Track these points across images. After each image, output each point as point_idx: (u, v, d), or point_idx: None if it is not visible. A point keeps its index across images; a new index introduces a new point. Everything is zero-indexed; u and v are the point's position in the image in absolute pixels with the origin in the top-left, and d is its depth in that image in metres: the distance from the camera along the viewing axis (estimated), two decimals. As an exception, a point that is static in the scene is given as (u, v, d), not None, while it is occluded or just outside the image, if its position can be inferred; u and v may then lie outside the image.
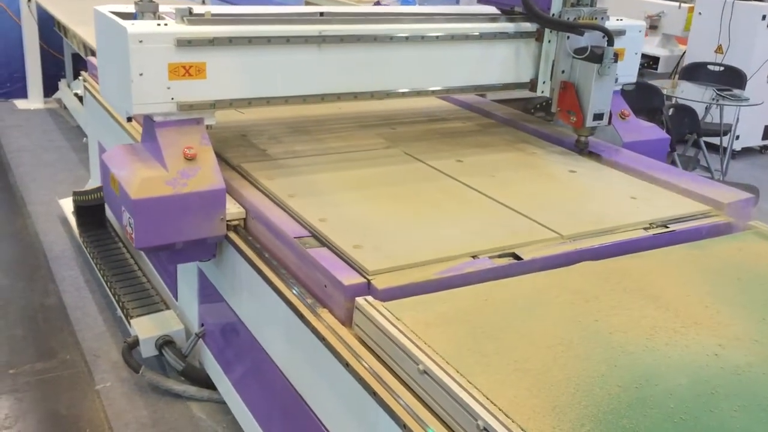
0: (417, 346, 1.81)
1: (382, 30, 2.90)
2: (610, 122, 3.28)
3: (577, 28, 3.12)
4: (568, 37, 3.18)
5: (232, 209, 2.63)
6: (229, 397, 2.92)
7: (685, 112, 5.74)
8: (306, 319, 2.14)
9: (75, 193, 4.43)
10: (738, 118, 6.65)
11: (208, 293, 2.97)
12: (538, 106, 3.39)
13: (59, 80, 7.44)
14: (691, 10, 7.24)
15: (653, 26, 7.54)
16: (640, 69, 3.69)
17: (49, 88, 7.48)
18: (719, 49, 6.88)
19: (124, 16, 2.66)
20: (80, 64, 6.64)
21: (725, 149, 6.35)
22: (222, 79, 2.62)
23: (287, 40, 2.70)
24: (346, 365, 1.96)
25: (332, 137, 3.38)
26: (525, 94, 3.50)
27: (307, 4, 7.32)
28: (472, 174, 2.95)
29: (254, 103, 2.75)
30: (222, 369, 2.96)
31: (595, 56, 3.08)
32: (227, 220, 2.60)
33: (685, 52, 7.36)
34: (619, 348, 1.85)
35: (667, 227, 2.59)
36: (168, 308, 3.40)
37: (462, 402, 1.62)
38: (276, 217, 2.49)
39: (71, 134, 6.56)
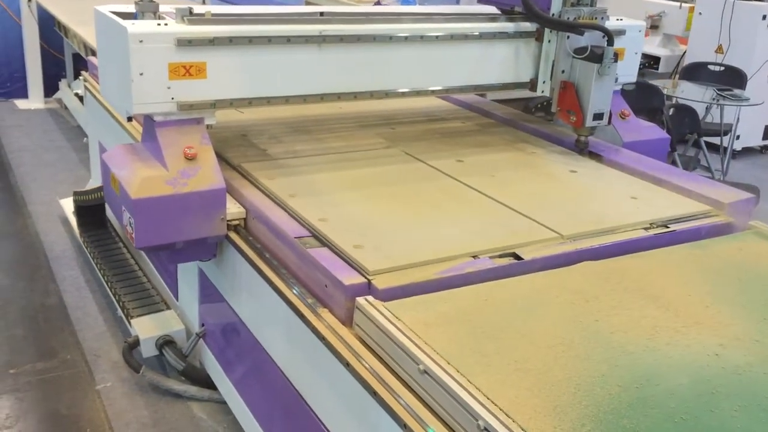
0: (417, 346, 1.81)
1: (381, 30, 2.90)
2: (610, 122, 3.28)
3: (577, 28, 3.12)
4: (568, 37, 3.18)
5: (233, 209, 2.63)
6: (230, 397, 2.92)
7: (685, 111, 5.74)
8: (306, 319, 2.14)
9: (75, 193, 4.43)
10: (738, 118, 6.65)
11: (209, 293, 2.97)
12: (539, 105, 3.38)
13: (60, 80, 7.44)
14: (691, 10, 7.24)
15: (654, 26, 7.54)
16: (641, 69, 3.70)
17: (50, 88, 7.48)
18: (719, 49, 6.88)
19: (125, 15, 2.66)
20: (81, 64, 6.64)
21: (726, 149, 6.35)
22: (222, 78, 2.62)
23: (287, 39, 2.70)
24: (347, 365, 1.96)
25: (332, 137, 3.38)
26: (525, 93, 3.50)
27: (308, 4, 7.32)
28: (472, 174, 2.95)
29: (254, 103, 2.75)
30: (222, 369, 2.96)
31: (595, 56, 3.08)
32: (227, 220, 2.60)
33: (685, 52, 7.36)
34: (620, 348, 1.85)
35: (668, 227, 2.59)
36: (168, 308, 3.40)
37: (462, 402, 1.62)
38: (276, 217, 2.49)
39: (72, 134, 6.56)
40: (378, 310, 1.96)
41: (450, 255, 2.25)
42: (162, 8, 2.72)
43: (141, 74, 2.48)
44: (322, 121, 3.58)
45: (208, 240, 2.61)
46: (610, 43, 3.08)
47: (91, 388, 3.24)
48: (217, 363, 3.00)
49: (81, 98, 5.82)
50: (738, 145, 6.99)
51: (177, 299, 3.38)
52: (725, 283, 2.24)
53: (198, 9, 2.65)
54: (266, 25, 2.69)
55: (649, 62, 7.61)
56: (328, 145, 3.26)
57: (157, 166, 2.54)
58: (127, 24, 2.49)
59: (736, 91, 6.05)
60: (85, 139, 5.34)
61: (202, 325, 3.09)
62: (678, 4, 7.43)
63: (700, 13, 7.10)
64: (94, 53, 4.59)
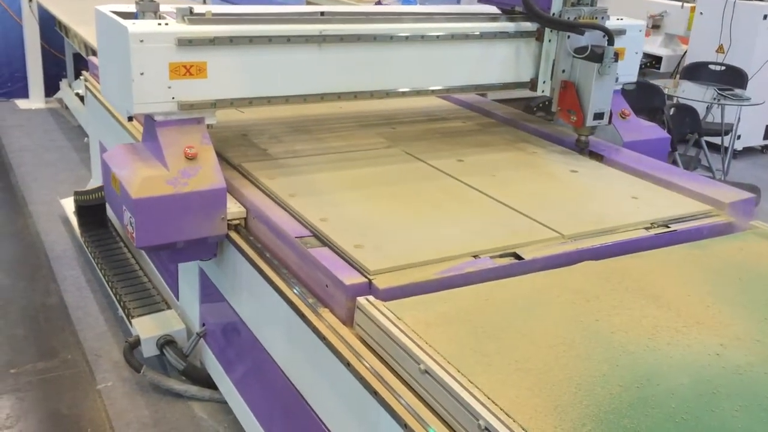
0: (418, 345, 1.81)
1: (382, 29, 2.90)
2: (610, 122, 3.28)
3: (577, 28, 3.12)
4: (569, 37, 3.18)
5: (233, 209, 2.63)
6: (231, 397, 2.92)
7: (686, 111, 5.74)
8: (307, 319, 2.14)
9: (76, 193, 4.43)
10: (739, 118, 6.65)
11: (209, 293, 2.97)
12: (540, 105, 3.38)
13: (60, 80, 7.44)
14: (693, 9, 7.24)
15: (656, 26, 7.54)
16: (642, 68, 3.70)
17: (51, 87, 7.49)
18: (720, 49, 6.87)
19: (125, 15, 2.66)
20: (81, 64, 6.64)
21: (726, 149, 6.35)
22: (223, 78, 2.62)
23: (288, 39, 2.70)
24: (348, 365, 1.96)
25: (333, 137, 3.38)
26: (525, 93, 3.50)
27: (308, 3, 7.32)
28: (473, 173, 2.95)
29: (255, 103, 2.75)
30: (223, 369, 2.96)
31: (595, 56, 3.08)
32: (228, 220, 2.60)
33: (686, 52, 7.36)
34: (621, 348, 1.85)
35: (668, 227, 2.59)
36: (169, 308, 3.40)
37: (463, 402, 1.62)
38: (277, 217, 2.49)
39: (72, 134, 6.56)
40: (379, 310, 1.96)
41: (451, 255, 2.25)
42: (162, 8, 2.73)
43: (141, 74, 2.48)
44: (322, 121, 3.58)
45: (208, 240, 2.61)
46: (611, 42, 3.08)
47: (91, 387, 3.24)
48: (217, 363, 3.00)
49: (82, 98, 5.82)
50: (739, 145, 6.99)
51: (178, 299, 3.38)
52: (726, 283, 2.24)
53: (198, 9, 2.65)
54: (266, 25, 2.69)
55: (651, 62, 7.61)
56: (328, 144, 3.26)
57: (157, 165, 2.54)
58: (128, 24, 2.49)
59: (737, 91, 6.04)
60: (85, 138, 5.34)
61: (203, 324, 3.10)
62: (680, 3, 7.43)
63: (701, 13, 7.09)
64: (94, 53, 4.59)
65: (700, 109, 6.06)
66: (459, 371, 1.71)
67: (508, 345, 1.83)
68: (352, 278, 2.09)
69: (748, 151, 7.25)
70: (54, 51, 7.57)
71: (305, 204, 2.55)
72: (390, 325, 1.89)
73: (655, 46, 7.68)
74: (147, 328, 3.23)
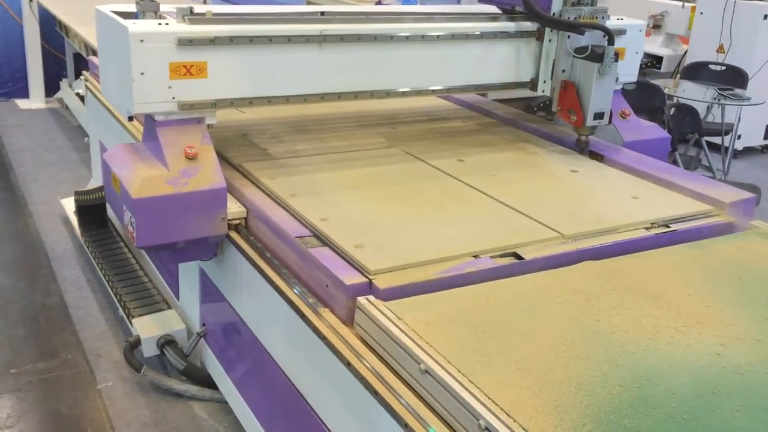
0: (418, 345, 1.81)
1: (382, 29, 2.90)
2: (610, 121, 3.28)
3: (577, 28, 3.11)
4: (569, 37, 3.18)
5: (234, 208, 2.63)
6: (231, 397, 2.92)
7: (686, 111, 5.74)
8: (307, 319, 2.15)
9: (76, 193, 4.43)
10: (740, 118, 6.65)
11: (210, 292, 2.98)
12: (541, 105, 3.38)
13: (61, 80, 7.44)
14: (694, 9, 7.24)
15: (657, 25, 7.53)
16: (643, 68, 3.70)
17: (51, 87, 7.49)
18: (721, 49, 6.87)
19: (126, 15, 2.66)
20: (82, 64, 6.64)
21: (727, 149, 6.35)
22: (223, 78, 2.62)
23: (288, 39, 2.70)
24: (348, 365, 1.96)
25: (333, 136, 3.38)
26: (526, 93, 3.50)
27: (309, 3, 7.32)
28: (473, 173, 2.95)
29: (255, 103, 2.75)
30: (223, 368, 2.96)
31: (595, 55, 3.08)
32: (228, 220, 2.60)
33: (686, 52, 7.36)
34: (621, 348, 1.85)
35: (669, 227, 2.59)
36: (169, 308, 3.40)
37: (463, 401, 1.62)
38: (277, 217, 2.49)
39: (73, 134, 6.56)
40: (379, 310, 1.96)
41: (451, 255, 2.25)
42: (163, 8, 2.73)
43: (142, 74, 2.48)
44: (322, 121, 3.58)
45: (209, 239, 2.61)
46: (611, 42, 3.08)
47: (92, 387, 3.24)
48: (218, 362, 3.00)
49: (82, 98, 5.82)
50: (739, 145, 6.99)
51: (178, 299, 3.38)
52: (726, 283, 2.23)
53: (199, 8, 2.65)
54: (267, 25, 2.69)
55: (652, 62, 7.60)
56: (328, 144, 3.26)
57: (158, 165, 2.54)
58: (128, 23, 2.49)
59: (737, 91, 6.04)
60: (86, 138, 5.34)
61: (203, 324, 3.10)
62: (680, 3, 7.43)
63: (701, 13, 7.09)
64: (95, 53, 4.59)
65: (701, 109, 6.06)
66: (459, 371, 1.71)
67: (509, 345, 1.84)
68: (352, 278, 2.09)
69: (749, 150, 7.25)
70: (54, 51, 7.58)
71: (305, 204, 2.55)
72: (390, 324, 1.89)
73: (656, 45, 7.68)
74: (147, 327, 3.23)
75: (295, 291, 2.25)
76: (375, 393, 1.85)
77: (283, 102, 2.80)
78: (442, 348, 1.79)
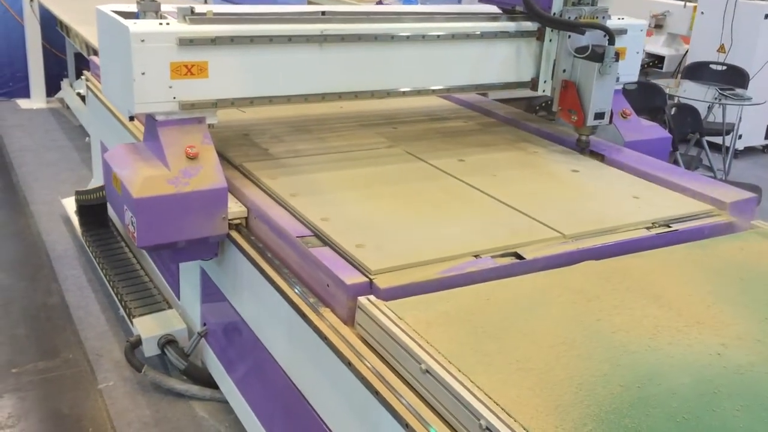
0: (419, 345, 1.81)
1: (383, 29, 2.90)
2: (611, 121, 3.28)
3: (578, 27, 3.11)
4: (569, 36, 3.17)
5: (234, 208, 2.63)
6: (232, 397, 2.92)
7: (687, 111, 5.74)
8: (308, 319, 2.15)
9: (77, 193, 4.44)
10: (740, 118, 6.65)
11: (211, 292, 2.98)
12: (542, 105, 3.38)
13: (62, 80, 7.45)
14: (696, 9, 7.24)
15: (658, 25, 7.53)
16: (645, 68, 3.69)
17: (52, 87, 7.49)
18: (722, 49, 6.87)
19: (127, 15, 2.66)
20: (83, 64, 6.65)
21: (728, 148, 6.35)
22: (224, 78, 2.62)
23: (289, 39, 2.70)
24: (349, 364, 1.96)
25: (334, 136, 3.38)
26: (527, 93, 3.50)
27: (309, 3, 7.32)
28: (474, 173, 2.95)
29: (256, 102, 2.75)
30: (224, 368, 2.96)
31: (596, 55, 3.08)
32: (229, 219, 2.60)
33: (687, 52, 7.36)
34: (622, 347, 1.85)
35: (670, 227, 2.59)
36: (170, 307, 3.40)
37: (464, 401, 1.62)
38: (278, 217, 2.49)
39: (74, 133, 6.56)
40: (380, 310, 1.96)
41: (452, 254, 2.25)
42: (164, 8, 2.73)
43: (143, 74, 2.48)
44: (323, 121, 3.58)
45: (209, 239, 2.61)
46: (612, 42, 3.08)
47: (93, 387, 3.24)
48: (218, 362, 3.01)
49: (83, 98, 5.83)
50: (740, 145, 6.99)
51: (179, 298, 3.38)
52: (727, 283, 2.23)
53: (199, 8, 2.65)
54: (268, 25, 2.69)
55: (653, 61, 7.60)
56: (329, 144, 3.26)
57: (158, 165, 2.54)
58: (129, 23, 2.49)
59: (738, 91, 6.04)
60: (87, 138, 5.35)
61: (204, 324, 3.10)
62: (682, 3, 7.43)
63: (702, 13, 7.09)
64: (96, 53, 4.59)
65: (702, 108, 6.05)
66: (460, 371, 1.71)
67: (509, 345, 1.84)
68: (353, 278, 2.09)
69: (750, 150, 7.25)
70: (55, 51, 7.58)
71: (306, 203, 2.55)
72: (391, 324, 1.89)
73: (658, 45, 7.68)
74: (148, 327, 3.23)
75: (296, 291, 2.26)
76: (376, 393, 1.85)
77: (284, 102, 2.81)
78: (442, 348, 1.79)
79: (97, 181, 4.63)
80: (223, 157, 2.92)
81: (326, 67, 2.82)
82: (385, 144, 3.30)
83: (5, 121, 6.91)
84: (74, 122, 6.83)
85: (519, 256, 2.30)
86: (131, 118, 2.68)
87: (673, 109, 5.73)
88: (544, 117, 3.60)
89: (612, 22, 3.27)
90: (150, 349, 3.19)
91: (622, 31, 3.33)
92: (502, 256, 2.29)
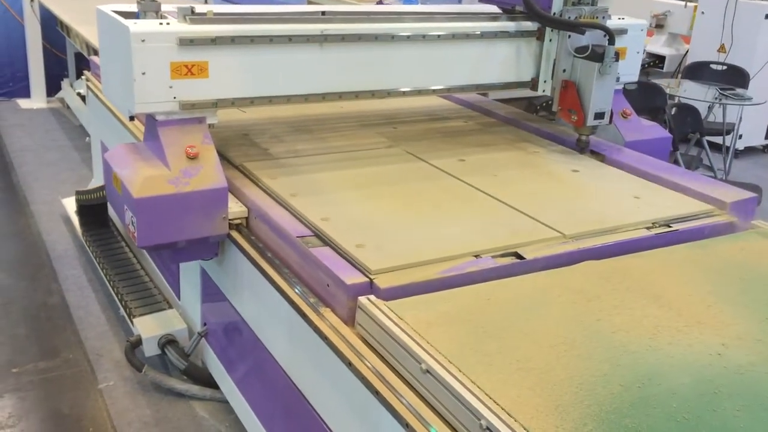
0: (419, 345, 1.81)
1: (383, 29, 2.90)
2: (611, 121, 3.28)
3: (578, 27, 3.11)
4: (569, 36, 3.17)
5: (235, 208, 2.63)
6: (232, 396, 2.92)
7: (687, 111, 5.74)
8: (308, 319, 2.15)
9: (78, 193, 4.44)
10: (741, 118, 6.65)
11: (211, 292, 2.98)
12: (543, 105, 3.38)
13: (62, 79, 7.45)
14: (696, 9, 7.24)
15: (659, 25, 7.53)
16: (646, 68, 3.69)
17: (52, 87, 7.49)
18: (722, 48, 6.87)
19: (127, 15, 2.66)
20: (83, 64, 6.65)
21: (728, 148, 6.34)
22: (224, 78, 2.62)
23: (289, 39, 2.70)
24: (349, 364, 1.96)
25: (334, 136, 3.38)
26: (527, 93, 3.50)
27: (310, 3, 7.32)
28: (474, 173, 2.95)
29: (256, 102, 2.75)
30: (225, 368, 2.96)
31: (596, 55, 3.08)
32: (229, 219, 2.60)
33: (687, 51, 7.35)
34: (622, 347, 1.85)
35: (670, 227, 2.59)
36: (170, 307, 3.40)
37: (465, 401, 1.62)
38: (278, 216, 2.49)
39: (74, 133, 6.57)
40: (380, 310, 1.96)
41: (452, 254, 2.25)
42: (164, 7, 2.73)
43: (143, 73, 2.48)
44: (323, 121, 3.58)
45: (210, 239, 2.61)
46: (612, 42, 3.08)
47: (93, 387, 3.25)
48: (219, 362, 3.01)
49: (83, 97, 5.83)
50: (740, 145, 6.99)
51: (179, 298, 3.38)
52: (727, 283, 2.23)
53: (200, 8, 2.65)
54: (268, 25, 2.69)
55: (654, 61, 7.60)
56: (329, 144, 3.26)
57: (159, 165, 2.54)
58: (130, 23, 2.49)
59: (739, 91, 6.04)
60: (87, 138, 5.35)
61: (204, 324, 3.10)
62: (683, 3, 7.42)
63: (702, 13, 7.09)
64: (96, 53, 4.59)
65: (702, 108, 6.05)
66: (460, 371, 1.71)
67: (510, 344, 1.84)
68: (353, 278, 2.09)
69: (750, 150, 7.25)
70: (56, 51, 7.58)
71: (307, 203, 2.55)
72: (391, 324, 1.89)
73: (659, 45, 7.68)
74: (148, 327, 3.24)
75: (296, 291, 2.26)
76: (376, 393, 1.85)
77: (284, 102, 2.81)
78: (443, 348, 1.79)
79: (97, 181, 4.63)
80: (224, 157, 2.92)
81: (326, 67, 2.82)
82: (386, 144, 3.30)
83: (6, 120, 6.91)
84: (74, 122, 6.83)
85: (519, 256, 2.30)
86: (131, 118, 2.68)
87: (674, 109, 5.73)
88: (545, 117, 3.60)
89: (612, 22, 3.27)
90: (150, 349, 3.19)
91: (623, 31, 3.33)
92: (503, 256, 2.29)
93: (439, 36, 3.01)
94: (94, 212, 4.26)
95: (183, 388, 3.18)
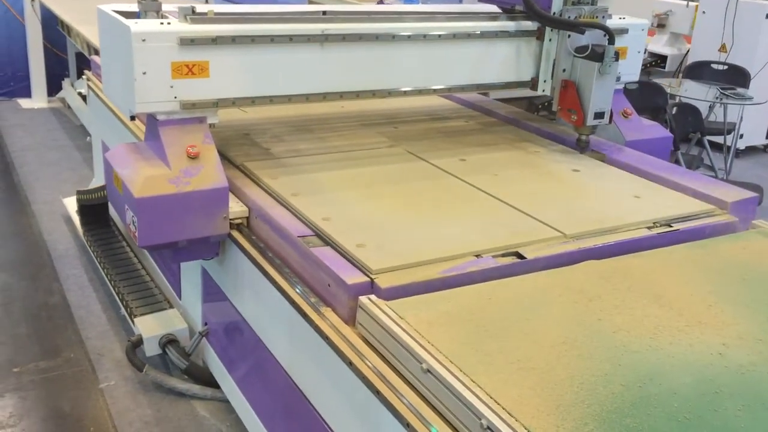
0: (420, 345, 1.81)
1: (384, 29, 2.90)
2: (611, 121, 3.28)
3: (577, 27, 3.11)
4: (569, 36, 3.17)
5: (235, 208, 2.63)
6: (233, 396, 2.92)
7: (688, 110, 5.73)
8: (309, 318, 2.15)
9: (79, 192, 4.44)
10: (742, 117, 6.64)
11: (212, 292, 2.98)
12: (544, 104, 3.38)
13: (63, 79, 7.45)
14: (698, 8, 7.24)
15: (661, 24, 7.53)
16: (647, 67, 3.69)
17: (53, 87, 7.49)
18: (723, 48, 6.86)
19: (128, 15, 2.66)
20: (84, 63, 6.64)
21: (729, 148, 6.34)
22: (225, 77, 2.62)
23: (290, 38, 2.70)
24: (350, 364, 1.96)
25: (335, 136, 3.38)
26: (527, 92, 3.50)
27: (311, 2, 7.32)
28: (475, 173, 2.95)
29: (257, 102, 2.75)
30: (225, 368, 2.96)
31: (596, 55, 3.08)
32: (230, 219, 2.60)
33: (688, 51, 7.35)
34: (623, 347, 1.85)
35: (671, 226, 2.58)
36: (171, 307, 3.40)
37: (466, 401, 1.62)
38: (279, 216, 2.49)
39: (75, 133, 6.57)
40: (381, 309, 1.96)
41: (453, 254, 2.25)
42: (165, 7, 2.73)
43: (144, 73, 2.48)
44: (324, 120, 3.58)
45: (210, 239, 2.61)
46: (611, 41, 3.08)
47: (94, 386, 3.25)
48: (220, 362, 3.01)
49: (84, 97, 5.83)
50: (741, 144, 6.98)
51: (180, 298, 3.38)
52: (728, 283, 2.23)
53: (201, 8, 2.65)
54: (269, 24, 2.69)
55: (656, 61, 7.60)
56: (330, 144, 3.26)
57: (160, 165, 2.54)
58: (130, 23, 2.49)
59: (740, 90, 6.04)
60: (88, 138, 5.35)
61: (205, 323, 3.10)
62: (685, 2, 7.42)
63: (703, 12, 7.09)
64: (97, 52, 4.59)
65: (703, 108, 6.05)
66: (461, 370, 1.71)
67: (510, 344, 1.84)
68: (354, 277, 2.09)
69: (751, 150, 7.25)
70: (56, 50, 7.59)
71: (307, 203, 2.55)
72: (392, 324, 1.89)
73: (660, 44, 7.67)
74: (149, 327, 3.24)
75: (297, 290, 2.26)
76: (377, 392, 1.85)
77: (285, 101, 2.81)
78: (444, 347, 1.79)
79: (98, 180, 4.64)
80: (224, 157, 2.92)
81: (327, 66, 2.82)
82: (386, 143, 3.30)
83: (6, 120, 6.91)
84: (75, 122, 6.83)
85: (520, 256, 2.30)
86: (132, 118, 2.69)
87: (675, 109, 5.73)
88: (545, 116, 3.60)
89: (613, 22, 3.27)
90: (151, 349, 3.20)
91: (623, 31, 3.32)
92: (503, 255, 2.29)
93: (439, 36, 3.01)
94: (95, 212, 4.26)
95: (184, 388, 3.18)
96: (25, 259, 4.34)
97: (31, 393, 3.18)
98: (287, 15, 2.79)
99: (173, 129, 2.59)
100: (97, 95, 4.18)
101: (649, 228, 2.56)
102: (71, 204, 4.63)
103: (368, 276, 2.10)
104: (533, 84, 3.32)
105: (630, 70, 3.49)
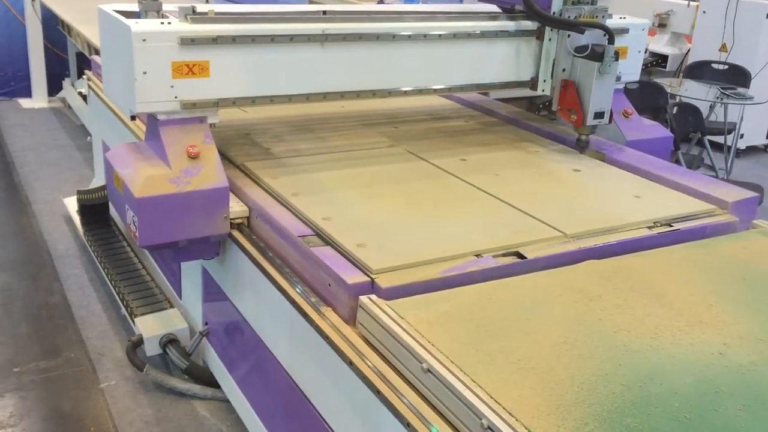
0: (421, 344, 1.81)
1: (384, 28, 2.90)
2: (611, 121, 3.27)
3: (577, 27, 3.11)
4: (569, 36, 3.17)
5: (236, 207, 2.63)
6: (233, 396, 2.92)
7: (689, 110, 5.73)
8: (310, 318, 2.15)
9: (79, 192, 4.44)
10: (742, 117, 6.64)
11: (212, 292, 2.98)
12: (544, 104, 3.38)
13: (63, 79, 7.45)
14: (698, 8, 7.23)
15: (662, 24, 7.52)
16: (648, 67, 3.68)
17: (54, 87, 7.49)
18: (723, 48, 6.86)
19: (128, 14, 2.66)
20: (84, 63, 6.64)
21: (729, 148, 6.34)
22: (225, 77, 2.62)
23: (290, 38, 2.70)
24: (350, 364, 1.96)
25: (335, 136, 3.38)
26: (528, 92, 3.50)
27: (311, 2, 7.32)
28: (476, 172, 2.95)
29: (257, 102, 2.75)
30: (226, 367, 2.96)
31: (595, 54, 3.07)
32: (231, 219, 2.60)
33: (689, 51, 7.35)
34: (623, 347, 1.85)
35: (672, 226, 2.58)
36: (172, 307, 3.40)
37: (466, 401, 1.62)
38: (280, 216, 2.49)
39: (75, 133, 6.57)
40: (381, 309, 1.96)
41: (453, 254, 2.25)
42: (165, 7, 2.73)
43: (144, 73, 2.48)
44: (325, 120, 3.58)
45: (211, 238, 2.61)
46: (611, 41, 3.08)
47: (94, 386, 3.25)
48: (220, 361, 3.01)
49: (84, 97, 5.83)
50: (742, 144, 6.98)
51: (180, 298, 3.38)
52: (729, 282, 2.23)
53: (201, 8, 2.65)
54: (269, 24, 2.69)
55: (657, 60, 7.59)
56: (331, 143, 3.26)
57: (160, 164, 2.54)
58: (131, 23, 2.49)
59: (740, 90, 6.04)
60: (88, 137, 5.35)
61: (206, 323, 3.10)
62: (686, 2, 7.42)
63: (704, 12, 7.08)
64: (97, 52, 4.59)
65: (703, 108, 6.05)
66: (461, 370, 1.71)
67: (511, 344, 1.84)
68: (354, 277, 2.09)
69: (752, 150, 7.25)
70: (57, 50, 7.59)
71: (308, 203, 2.55)
72: (392, 324, 1.89)
73: (661, 44, 7.67)
74: (150, 326, 3.24)
75: (298, 290, 2.26)
76: (377, 392, 1.85)
77: (286, 101, 2.81)
78: (444, 347, 1.79)
79: (98, 180, 4.64)
80: (225, 157, 2.92)
81: (328, 66, 2.82)
82: (387, 143, 3.30)
83: (7, 120, 6.91)
84: (76, 121, 6.83)
85: (520, 256, 2.30)
86: (133, 118, 2.69)
87: (675, 109, 5.73)
88: (546, 116, 3.60)
89: (613, 22, 3.27)
90: (151, 349, 3.20)
91: (624, 31, 3.32)
92: (504, 255, 2.29)
93: (440, 35, 3.01)
94: (95, 212, 4.26)
95: (184, 388, 3.18)
96: (26, 258, 4.34)
97: (31, 393, 3.18)
98: (288, 15, 2.79)
99: (174, 129, 2.59)
100: (98, 95, 4.18)
101: (649, 228, 2.56)
102: (72, 204, 4.63)
103: (368, 276, 2.10)
104: (533, 84, 3.31)
105: (630, 69, 3.49)
